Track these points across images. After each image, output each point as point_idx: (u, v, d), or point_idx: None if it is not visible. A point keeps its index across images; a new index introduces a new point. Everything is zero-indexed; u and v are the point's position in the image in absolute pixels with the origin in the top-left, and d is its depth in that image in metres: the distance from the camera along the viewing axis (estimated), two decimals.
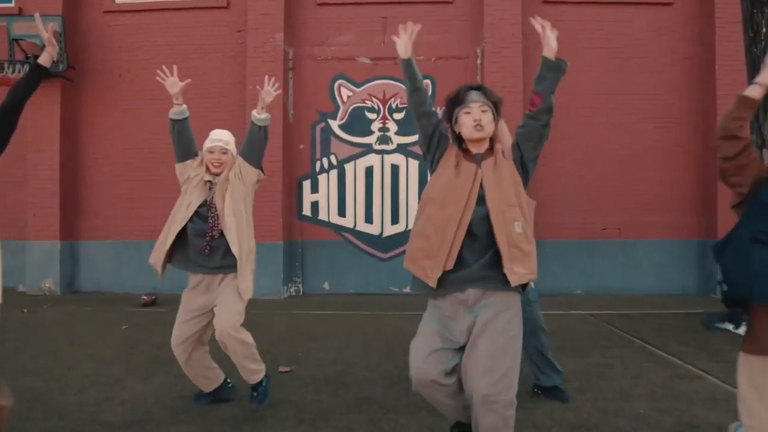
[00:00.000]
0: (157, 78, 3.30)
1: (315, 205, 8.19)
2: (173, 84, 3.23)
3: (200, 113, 8.18)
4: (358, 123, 8.19)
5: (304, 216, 8.21)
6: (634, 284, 7.93)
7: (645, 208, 8.09)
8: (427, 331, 2.29)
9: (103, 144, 8.46)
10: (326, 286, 8.11)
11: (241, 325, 3.09)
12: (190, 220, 3.11)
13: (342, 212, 8.19)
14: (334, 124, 8.19)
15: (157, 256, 3.15)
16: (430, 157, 2.40)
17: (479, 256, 2.21)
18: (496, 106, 2.32)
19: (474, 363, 2.15)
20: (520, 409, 2.97)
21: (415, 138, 8.15)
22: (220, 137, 3.25)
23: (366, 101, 8.18)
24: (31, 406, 3.28)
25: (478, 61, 8.11)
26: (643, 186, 8.11)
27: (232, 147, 3.30)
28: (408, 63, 2.37)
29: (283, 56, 8.02)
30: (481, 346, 2.16)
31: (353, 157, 8.17)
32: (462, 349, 2.24)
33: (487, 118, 2.26)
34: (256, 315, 6.20)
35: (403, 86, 7.95)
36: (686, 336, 5.15)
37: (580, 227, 7.99)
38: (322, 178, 8.22)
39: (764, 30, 5.36)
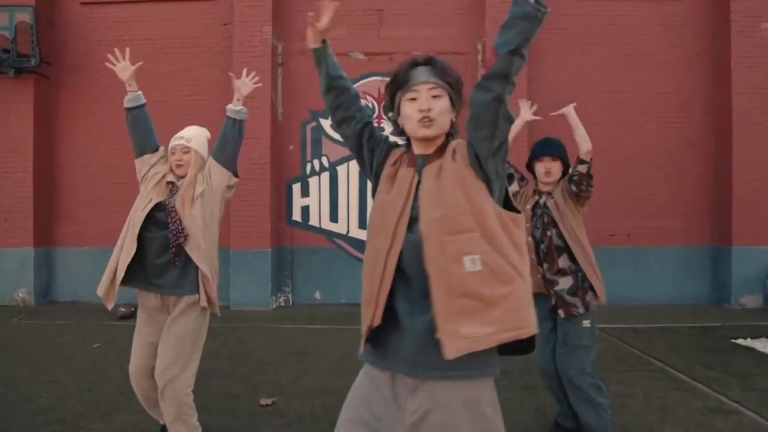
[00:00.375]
0: (107, 64, 2.84)
1: (306, 210, 7.72)
2: (123, 68, 2.85)
3: (185, 110, 7.77)
4: None
5: (294, 221, 7.74)
6: (644, 293, 7.51)
7: (655, 213, 7.67)
8: (348, 421, 1.58)
9: (81, 144, 7.97)
10: (317, 295, 7.65)
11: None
12: (146, 227, 2.65)
13: (334, 217, 7.72)
14: (326, 124, 7.72)
15: (107, 280, 2.69)
16: (371, 177, 1.75)
17: (418, 313, 1.50)
18: (456, 89, 1.62)
19: None
20: None
21: None
22: (183, 134, 2.81)
23: (360, 99, 7.72)
24: None
25: (479, 57, 7.66)
26: (652, 189, 7.69)
27: (197, 145, 2.84)
28: (318, 54, 1.77)
29: (272, 51, 7.56)
30: None
31: (346, 159, 7.69)
32: None
33: (441, 106, 1.58)
34: (241, 329, 5.78)
35: None
36: (707, 356, 4.73)
37: (588, 234, 7.55)
38: (313, 181, 7.75)
39: None
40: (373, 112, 7.72)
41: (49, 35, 7.72)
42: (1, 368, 4.45)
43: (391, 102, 1.68)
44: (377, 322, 1.50)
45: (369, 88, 7.72)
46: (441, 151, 1.61)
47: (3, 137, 7.59)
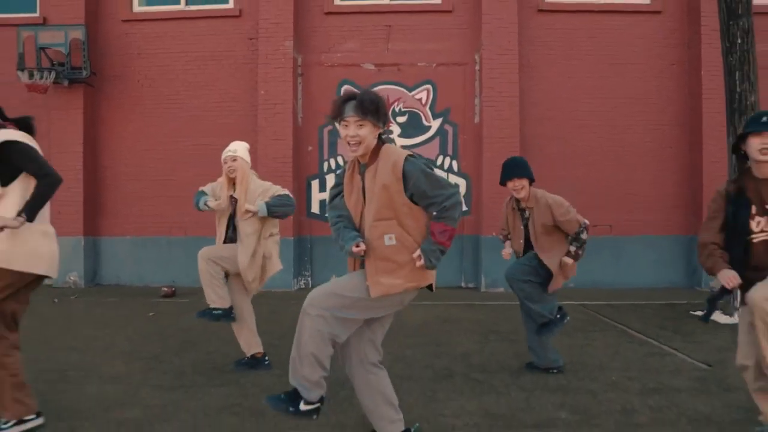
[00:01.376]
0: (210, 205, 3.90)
1: (323, 204, 8.67)
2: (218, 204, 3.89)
3: (215, 116, 8.78)
4: None
5: (313, 214, 8.70)
6: (624, 278, 8.41)
7: (635, 207, 8.57)
8: None
9: (122, 146, 8.96)
10: (333, 279, 8.59)
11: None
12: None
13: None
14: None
15: None
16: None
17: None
18: (376, 115, 2.28)
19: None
20: (510, 374, 3.49)
21: (417, 140, 8.66)
22: (230, 148, 3.92)
23: None
24: (85, 373, 3.78)
25: (477, 67, 8.59)
26: (633, 185, 8.58)
27: (241, 153, 3.89)
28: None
29: (293, 63, 8.51)
30: None
31: None
32: None
33: (364, 132, 2.26)
34: (271, 305, 6.73)
35: (406, 90, 8.45)
36: (665, 322, 5.65)
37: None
38: (329, 178, 8.71)
39: (738, 41, 5.84)
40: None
41: (95, 49, 8.71)
42: (83, 330, 5.42)
43: (333, 123, 2.54)
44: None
45: None
46: (375, 155, 2.34)
47: (57, 139, 8.59)
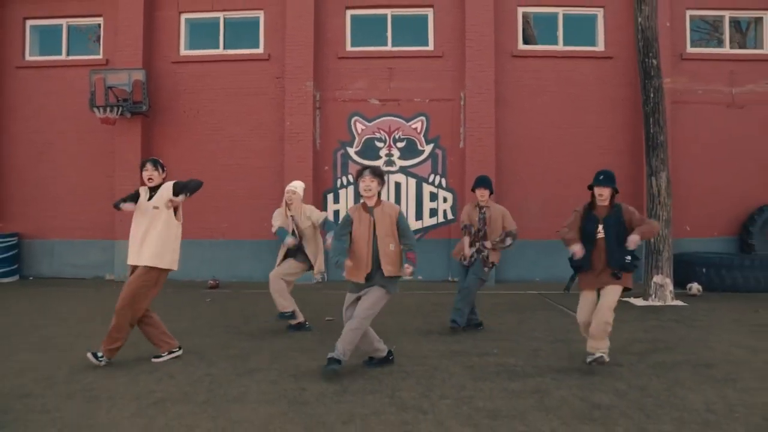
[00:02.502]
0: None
1: (336, 213, 10.62)
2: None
3: (249, 142, 10.76)
4: (369, 150, 10.64)
5: (328, 222, 10.64)
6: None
7: None
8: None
9: (171, 165, 10.77)
10: (344, 275, 10.54)
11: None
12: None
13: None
14: (351, 151, 10.65)
15: None
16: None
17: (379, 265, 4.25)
18: (381, 177, 4.29)
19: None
20: (470, 334, 5.42)
21: (413, 161, 10.62)
22: (292, 185, 6.06)
23: (375, 133, 10.63)
24: (190, 335, 5.73)
25: (462, 103, 10.54)
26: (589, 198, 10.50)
27: (299, 190, 6.01)
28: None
29: (312, 98, 10.47)
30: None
31: None
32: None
33: (374, 186, 4.22)
34: (300, 293, 8.68)
35: (404, 121, 10.38)
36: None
37: (540, 230, 10.40)
38: (342, 192, 10.67)
39: (651, 95, 7.80)
40: (385, 142, 10.64)
41: (149, 85, 10.67)
42: (164, 310, 7.36)
43: (355, 180, 4.48)
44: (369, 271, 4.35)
45: (382, 125, 10.65)
46: (378, 201, 4.33)
47: (120, 163, 10.56)
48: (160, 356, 4.73)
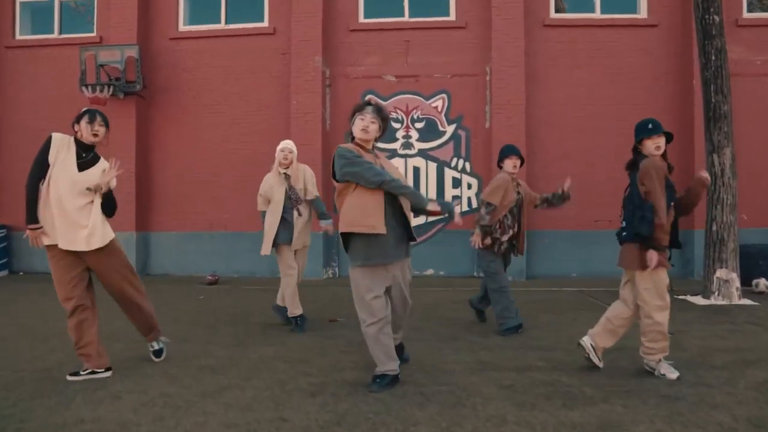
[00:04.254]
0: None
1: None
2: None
3: (250, 123, 9.81)
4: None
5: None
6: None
7: None
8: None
9: (169, 150, 10.03)
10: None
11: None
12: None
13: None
14: None
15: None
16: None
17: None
18: (384, 120, 3.38)
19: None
20: (503, 339, 4.34)
21: (433, 144, 9.55)
22: (287, 145, 5.01)
23: (391, 113, 9.59)
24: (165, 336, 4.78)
25: (487, 78, 9.44)
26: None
27: (294, 149, 5.01)
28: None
29: (321, 75, 9.48)
30: None
31: None
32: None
33: (374, 127, 3.33)
34: (305, 290, 7.69)
35: (423, 99, 9.29)
36: None
37: (576, 220, 9.26)
38: None
39: (713, 58, 6.61)
40: (402, 122, 9.58)
41: (145, 64, 9.78)
42: (165, 303, 6.44)
43: (351, 118, 3.41)
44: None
45: (399, 104, 9.59)
46: (373, 147, 3.41)
47: (113, 146, 9.64)
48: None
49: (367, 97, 3.50)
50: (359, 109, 3.38)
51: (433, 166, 9.53)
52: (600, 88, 9.42)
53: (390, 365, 3.29)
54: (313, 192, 5.15)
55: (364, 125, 3.31)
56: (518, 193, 4.90)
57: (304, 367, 3.82)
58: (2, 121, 10.37)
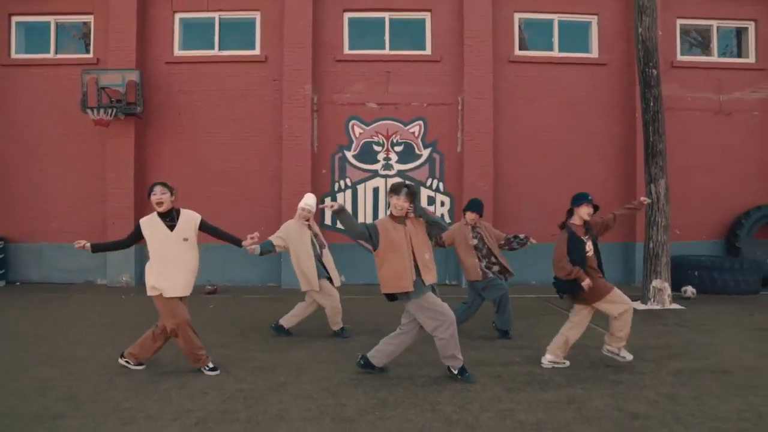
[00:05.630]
0: None
1: (334, 217, 10.56)
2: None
3: (242, 145, 10.66)
4: (367, 154, 10.63)
5: (326, 225, 10.60)
6: None
7: None
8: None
9: (165, 168, 10.72)
10: (343, 278, 10.46)
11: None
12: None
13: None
14: (349, 155, 10.62)
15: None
16: (374, 240, 4.33)
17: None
18: (414, 197, 4.30)
19: None
20: (484, 339, 5.45)
21: (411, 165, 10.64)
22: (310, 203, 5.98)
23: (373, 137, 10.62)
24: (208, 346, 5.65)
25: (460, 107, 10.61)
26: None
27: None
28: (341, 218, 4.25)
29: (310, 101, 10.41)
30: None
31: (363, 180, 10.61)
32: None
33: (406, 205, 4.25)
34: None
35: (402, 125, 10.36)
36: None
37: (536, 234, 10.49)
38: (339, 196, 10.62)
39: (651, 104, 7.97)
40: (383, 146, 10.64)
41: (143, 87, 10.44)
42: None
43: (389, 194, 4.44)
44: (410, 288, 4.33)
45: (380, 129, 10.64)
46: (406, 217, 4.35)
47: (113, 163, 10.34)
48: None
49: (403, 184, 4.41)
50: (395, 190, 4.32)
51: None
52: (558, 118, 10.74)
53: None
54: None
55: (399, 204, 4.27)
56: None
57: (336, 366, 4.82)
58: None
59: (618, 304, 4.68)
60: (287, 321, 6.09)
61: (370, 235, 4.34)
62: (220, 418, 3.58)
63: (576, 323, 4.91)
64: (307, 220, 5.96)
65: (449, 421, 3.54)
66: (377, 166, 10.63)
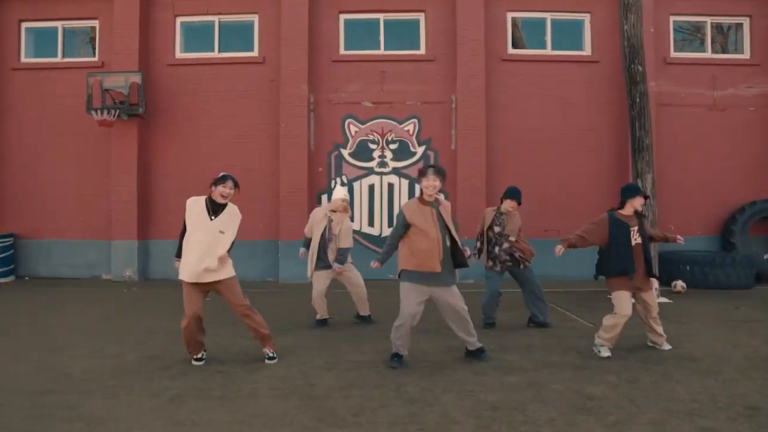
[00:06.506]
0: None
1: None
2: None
3: (243, 142, 10.90)
4: (363, 152, 10.85)
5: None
6: (570, 273, 10.64)
7: (578, 216, 10.77)
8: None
9: (168, 167, 11.03)
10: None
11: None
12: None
13: (351, 218, 10.80)
14: (345, 153, 10.85)
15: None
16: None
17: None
18: (443, 177, 4.48)
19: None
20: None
21: (405, 163, 10.84)
22: (343, 195, 6.37)
23: (369, 135, 10.84)
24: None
25: (453, 106, 10.78)
26: (577, 199, 10.82)
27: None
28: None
29: (307, 101, 10.65)
30: None
31: (359, 177, 10.83)
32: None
33: (436, 185, 4.40)
34: (293, 292, 8.85)
35: (397, 123, 10.55)
36: (585, 302, 7.88)
37: (528, 229, 10.64)
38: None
39: (637, 100, 8.09)
40: (378, 144, 10.84)
41: (145, 88, 10.76)
42: (165, 305, 7.50)
43: (418, 178, 4.62)
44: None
45: (375, 127, 10.85)
46: (436, 199, 4.55)
47: (116, 163, 10.66)
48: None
49: (428, 166, 4.57)
50: (422, 173, 4.48)
51: (405, 182, 10.82)
52: (550, 115, 10.87)
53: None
54: (346, 244, 6.35)
55: (429, 183, 4.41)
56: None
57: (317, 352, 5.04)
58: (8, 137, 11.18)
59: (615, 309, 4.91)
60: (362, 310, 6.60)
61: (399, 225, 4.54)
62: (195, 394, 3.82)
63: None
64: (334, 212, 6.32)
65: (411, 399, 3.75)
66: (373, 164, 10.84)
